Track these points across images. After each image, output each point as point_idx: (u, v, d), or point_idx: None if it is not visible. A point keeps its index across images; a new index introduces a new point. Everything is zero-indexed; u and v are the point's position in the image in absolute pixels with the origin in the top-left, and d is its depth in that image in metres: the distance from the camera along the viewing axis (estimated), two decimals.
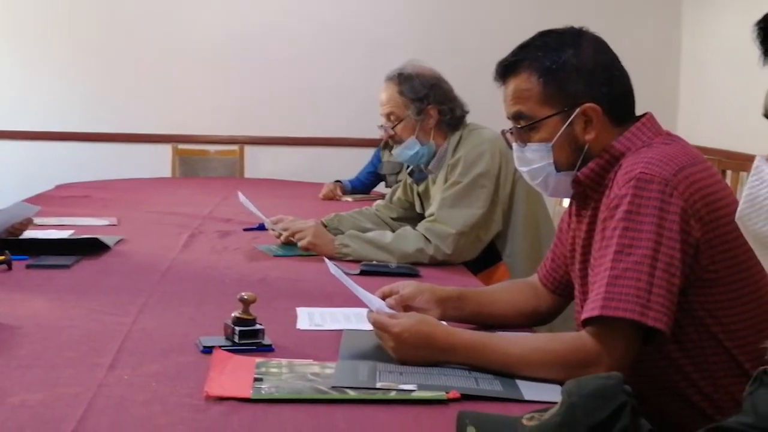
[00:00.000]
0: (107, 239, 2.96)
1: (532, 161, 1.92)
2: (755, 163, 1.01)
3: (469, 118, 3.16)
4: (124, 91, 6.53)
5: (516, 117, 1.92)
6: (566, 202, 2.09)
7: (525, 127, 1.90)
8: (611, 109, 1.86)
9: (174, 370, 1.68)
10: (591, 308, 1.67)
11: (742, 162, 5.08)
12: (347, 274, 2.39)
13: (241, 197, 3.17)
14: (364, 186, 5.05)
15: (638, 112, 1.92)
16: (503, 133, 2.03)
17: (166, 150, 6.41)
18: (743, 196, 1.01)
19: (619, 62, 1.90)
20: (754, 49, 0.97)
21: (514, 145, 1.96)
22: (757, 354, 1.68)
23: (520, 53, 1.91)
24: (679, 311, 1.69)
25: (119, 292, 2.33)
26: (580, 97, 1.85)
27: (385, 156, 4.76)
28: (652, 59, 6.51)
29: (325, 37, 6.56)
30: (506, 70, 1.92)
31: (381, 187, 5.15)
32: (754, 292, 1.77)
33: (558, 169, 1.90)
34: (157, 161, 6.38)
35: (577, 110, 1.85)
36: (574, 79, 1.85)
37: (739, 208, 1.01)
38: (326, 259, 2.14)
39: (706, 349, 1.75)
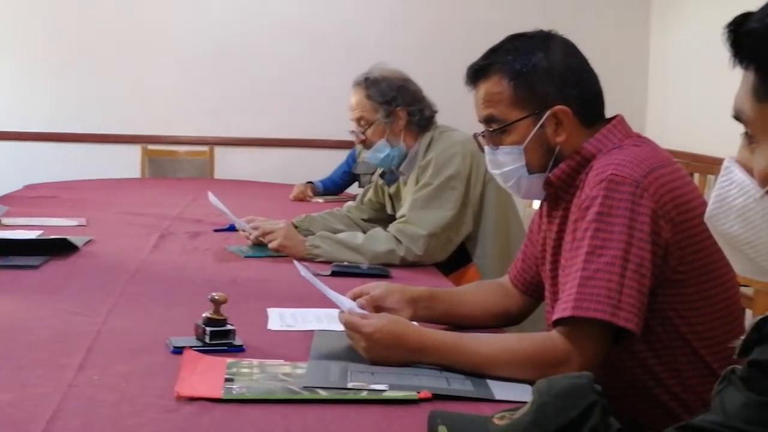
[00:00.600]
0: (76, 240, 2.94)
1: (505, 164, 1.94)
2: (724, 164, 1.02)
3: (442, 120, 3.17)
4: (94, 92, 6.49)
5: (487, 120, 1.93)
6: (536, 203, 2.10)
7: (497, 130, 1.91)
8: (581, 111, 1.87)
9: (144, 371, 1.67)
10: (562, 309, 1.68)
11: (710, 165, 5.13)
12: (318, 275, 2.39)
13: (211, 197, 3.15)
14: (337, 186, 5.04)
15: (607, 115, 1.94)
16: (475, 136, 2.04)
17: (135, 151, 6.37)
18: (712, 197, 1.02)
19: (588, 65, 1.92)
20: (722, 53, 0.98)
21: (486, 148, 1.97)
22: (725, 354, 1.70)
23: (490, 57, 1.92)
24: (649, 311, 1.71)
25: (88, 293, 2.31)
26: (551, 99, 1.87)
27: (362, 156, 4.76)
28: (620, 62, 6.56)
29: (296, 39, 6.55)
30: (477, 74, 1.93)
31: (352, 189, 5.15)
32: (722, 293, 1.79)
33: (530, 172, 1.92)
34: (127, 162, 6.34)
35: (548, 113, 1.87)
36: (545, 81, 1.87)
37: (708, 209, 1.02)
38: (295, 262, 2.13)
39: (675, 349, 1.77)
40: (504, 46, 1.93)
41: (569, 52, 1.91)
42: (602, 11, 6.73)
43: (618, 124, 1.90)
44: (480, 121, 1.96)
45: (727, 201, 0.99)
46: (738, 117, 0.99)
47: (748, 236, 0.98)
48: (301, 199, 4.70)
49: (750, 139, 0.98)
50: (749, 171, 0.97)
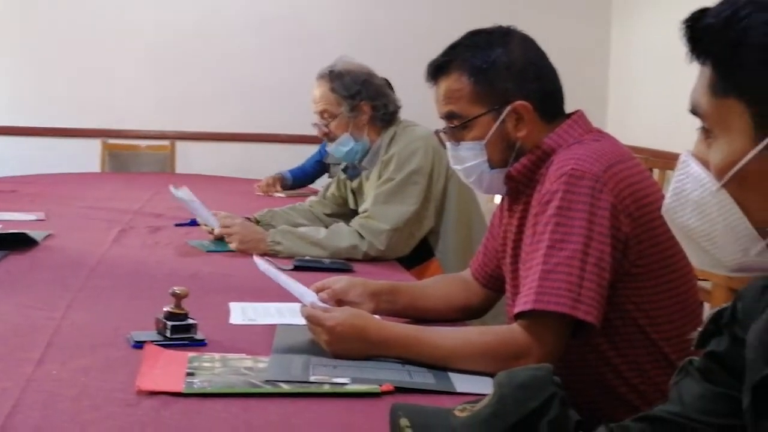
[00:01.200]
0: (35, 234, 2.91)
1: (466, 159, 1.95)
2: (681, 158, 1.03)
3: (404, 116, 3.17)
4: (53, 85, 6.42)
5: (449, 116, 1.94)
6: (498, 198, 2.11)
7: (458, 126, 1.93)
8: (541, 106, 1.89)
9: (104, 365, 1.66)
10: (524, 302, 1.70)
11: (670, 160, 5.18)
12: (280, 269, 2.38)
13: (180, 192, 3.11)
14: (307, 176, 5.01)
15: (568, 110, 1.95)
16: (437, 132, 2.05)
17: (95, 145, 6.31)
18: (669, 190, 1.03)
19: (547, 60, 1.94)
20: (681, 49, 1.00)
21: (448, 144, 1.98)
22: (683, 346, 1.72)
23: (450, 53, 1.93)
24: (608, 305, 1.73)
25: (48, 287, 2.29)
26: (511, 95, 1.88)
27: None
28: (582, 59, 6.61)
29: (258, 32, 6.52)
30: (437, 70, 1.94)
31: (317, 183, 5.13)
32: (680, 286, 1.81)
33: (492, 167, 1.93)
34: (87, 156, 6.28)
35: (508, 108, 1.88)
36: (504, 77, 1.88)
37: (665, 202, 1.04)
38: (255, 258, 2.12)
39: (634, 342, 1.79)
40: (463, 42, 1.94)
41: (528, 47, 1.93)
42: (564, 7, 6.76)
43: (578, 119, 1.92)
44: (441, 118, 1.98)
45: (684, 194, 1.01)
46: (695, 111, 1.00)
47: (704, 229, 0.99)
48: (266, 192, 4.67)
49: (706, 133, 0.99)
50: (706, 164, 0.99)
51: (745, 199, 0.95)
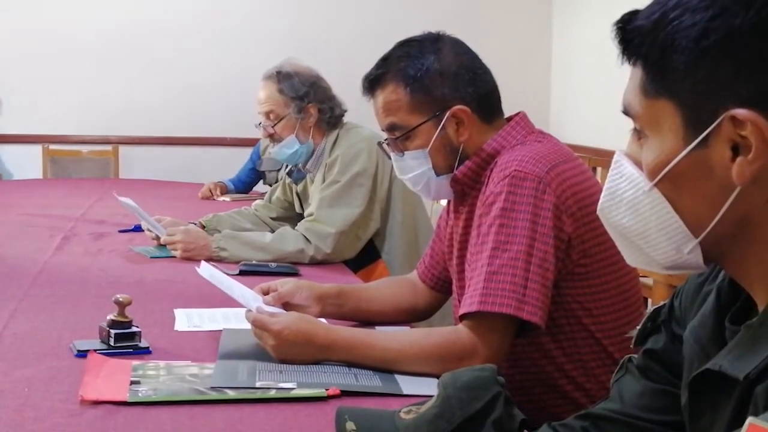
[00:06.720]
0: None
1: (412, 168, 1.96)
2: (615, 157, 1.05)
3: (346, 117, 3.17)
4: None
5: (390, 128, 1.95)
6: (444, 200, 2.12)
7: (400, 137, 1.93)
8: (480, 108, 1.91)
9: (47, 375, 1.64)
10: (469, 304, 1.71)
11: (611, 160, 5.25)
12: (226, 274, 2.37)
13: (124, 199, 3.07)
14: (245, 185, 4.99)
15: (510, 112, 1.97)
16: (380, 144, 2.05)
17: (36, 151, 6.22)
18: (604, 190, 1.05)
19: (480, 61, 1.95)
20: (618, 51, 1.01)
21: (393, 155, 1.99)
22: (626, 344, 1.74)
23: (383, 66, 1.94)
24: (552, 304, 1.75)
25: None
26: (448, 100, 1.89)
27: (267, 152, 4.72)
28: (524, 60, 6.67)
29: (200, 35, 6.47)
30: (372, 84, 1.95)
31: (261, 187, 5.11)
32: (623, 284, 1.84)
33: (438, 173, 1.94)
34: (28, 162, 6.18)
35: (447, 113, 1.89)
36: (440, 83, 1.89)
37: (600, 201, 1.05)
38: (202, 265, 2.11)
39: (578, 340, 1.82)
40: (395, 53, 1.95)
41: (460, 50, 1.94)
42: (505, 9, 6.81)
43: (521, 120, 1.94)
44: (383, 130, 1.99)
45: (618, 193, 1.02)
46: (627, 112, 1.02)
47: (638, 228, 1.01)
48: (208, 197, 4.64)
49: (639, 133, 1.01)
50: (638, 164, 1.00)
51: (678, 198, 0.97)
